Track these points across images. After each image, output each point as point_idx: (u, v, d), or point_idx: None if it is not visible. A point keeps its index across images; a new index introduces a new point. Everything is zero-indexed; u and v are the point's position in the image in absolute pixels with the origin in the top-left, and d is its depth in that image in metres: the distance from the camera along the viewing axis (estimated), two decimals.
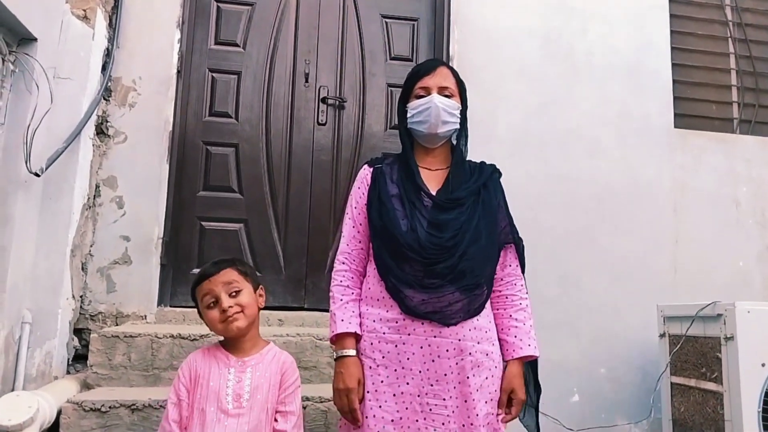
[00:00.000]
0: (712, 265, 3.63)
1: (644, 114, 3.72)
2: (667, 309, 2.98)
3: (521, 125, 3.56)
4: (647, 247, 3.56)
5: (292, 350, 2.45)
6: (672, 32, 3.87)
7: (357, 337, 1.78)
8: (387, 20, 3.72)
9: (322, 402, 2.42)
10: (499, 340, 1.81)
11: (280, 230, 3.44)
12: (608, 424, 3.29)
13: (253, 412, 1.71)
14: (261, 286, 1.88)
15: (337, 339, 1.78)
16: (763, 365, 2.46)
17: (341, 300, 1.82)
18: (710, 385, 2.64)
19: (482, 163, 1.95)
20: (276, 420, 1.76)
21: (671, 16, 3.88)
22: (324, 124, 3.55)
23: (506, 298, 1.83)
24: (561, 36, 3.70)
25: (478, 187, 1.84)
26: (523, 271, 1.88)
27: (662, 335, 2.97)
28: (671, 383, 2.91)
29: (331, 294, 1.86)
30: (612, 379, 3.37)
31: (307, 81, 3.56)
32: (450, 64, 1.88)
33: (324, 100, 3.55)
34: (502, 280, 1.84)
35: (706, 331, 2.67)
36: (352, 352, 1.76)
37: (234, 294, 1.76)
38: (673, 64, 3.83)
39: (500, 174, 1.94)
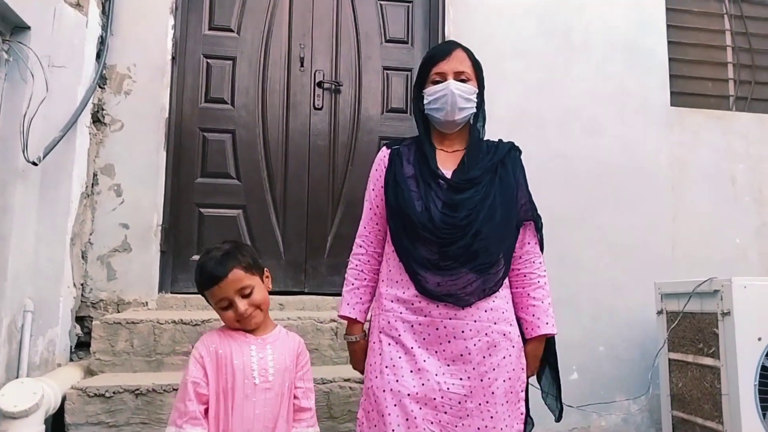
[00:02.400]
0: (710, 241, 3.65)
1: (641, 92, 3.71)
2: (664, 286, 3.00)
3: (519, 104, 3.55)
4: (646, 225, 3.58)
5: None
6: (668, 10, 3.84)
7: (362, 325, 1.89)
8: (381, 2, 3.69)
9: (324, 383, 2.45)
10: (518, 318, 1.84)
11: (278, 215, 3.45)
12: (607, 401, 3.33)
13: (277, 386, 1.75)
14: (266, 269, 1.86)
15: (347, 321, 1.90)
16: (759, 339, 2.49)
17: (352, 284, 1.90)
18: (707, 361, 2.67)
19: (500, 141, 1.94)
20: (297, 397, 1.82)
21: None
22: (320, 109, 3.54)
23: (524, 276, 1.85)
24: (558, 13, 3.68)
25: (495, 164, 1.84)
26: (541, 249, 1.88)
27: (660, 312, 2.99)
28: (669, 359, 2.94)
29: (346, 276, 1.93)
30: (611, 356, 3.40)
31: (302, 65, 3.55)
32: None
33: (320, 84, 3.54)
34: (520, 258, 1.85)
35: (704, 307, 2.70)
36: (357, 338, 1.89)
37: (247, 294, 1.75)
38: (669, 42, 3.82)
39: (520, 151, 1.93)
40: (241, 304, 1.73)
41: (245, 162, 3.45)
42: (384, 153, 1.94)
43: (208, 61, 3.48)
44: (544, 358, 1.90)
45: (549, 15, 3.67)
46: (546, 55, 3.63)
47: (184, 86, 3.42)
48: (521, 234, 1.85)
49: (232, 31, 3.52)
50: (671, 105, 3.76)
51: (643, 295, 3.29)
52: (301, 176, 3.48)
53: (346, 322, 1.91)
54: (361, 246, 1.91)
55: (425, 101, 1.86)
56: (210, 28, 3.51)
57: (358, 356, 1.90)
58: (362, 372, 1.87)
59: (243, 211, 3.42)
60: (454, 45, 1.92)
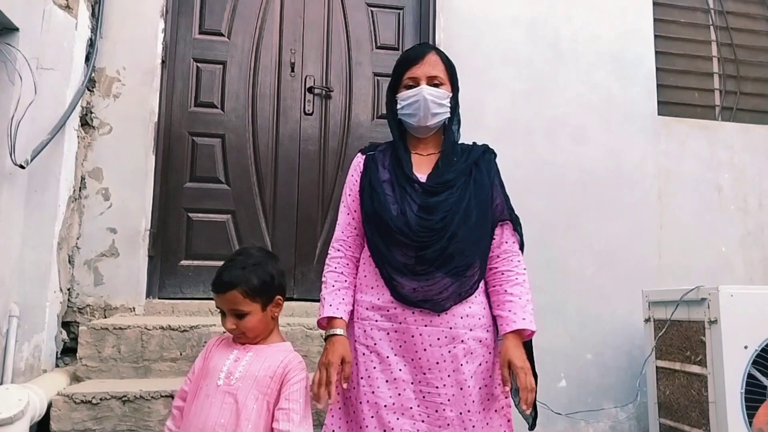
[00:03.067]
0: (696, 250, 3.68)
1: (628, 101, 3.75)
2: (651, 294, 3.02)
3: (508, 112, 3.57)
4: (632, 233, 3.61)
5: None
6: (655, 20, 3.89)
7: (345, 323, 1.79)
8: (372, 9, 3.70)
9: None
10: (495, 316, 1.79)
11: (267, 221, 3.43)
12: (595, 408, 3.34)
13: (241, 394, 1.65)
14: (279, 297, 1.77)
15: (327, 321, 1.79)
16: (745, 347, 2.52)
17: (333, 286, 1.83)
18: (694, 368, 2.69)
19: (474, 144, 1.94)
20: (276, 419, 1.66)
21: (654, 3, 3.90)
22: (311, 114, 3.53)
23: (502, 274, 1.79)
24: (546, 22, 3.71)
25: (469, 167, 1.83)
26: (521, 249, 1.85)
27: (647, 320, 3.02)
28: (656, 367, 2.96)
29: (324, 279, 1.86)
30: (598, 363, 3.42)
31: (293, 70, 3.55)
32: (439, 48, 1.86)
33: (310, 90, 3.54)
34: (498, 257, 1.81)
35: (691, 315, 2.72)
36: (340, 332, 1.75)
37: (239, 316, 1.71)
38: (657, 52, 3.86)
39: (494, 154, 1.93)
40: (228, 322, 1.72)
41: (235, 167, 3.43)
42: (359, 158, 1.93)
43: (198, 65, 3.47)
44: None
45: (538, 24, 3.70)
46: (534, 64, 3.66)
47: (173, 90, 3.40)
48: (498, 234, 1.82)
49: (222, 35, 3.51)
50: (658, 114, 3.80)
51: (629, 302, 3.32)
52: (291, 182, 3.47)
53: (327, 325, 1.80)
54: (339, 250, 1.87)
55: (398, 106, 1.85)
56: (200, 32, 3.50)
57: (337, 349, 1.71)
58: (330, 365, 1.68)
59: (232, 216, 3.40)
60: (427, 48, 1.91)
